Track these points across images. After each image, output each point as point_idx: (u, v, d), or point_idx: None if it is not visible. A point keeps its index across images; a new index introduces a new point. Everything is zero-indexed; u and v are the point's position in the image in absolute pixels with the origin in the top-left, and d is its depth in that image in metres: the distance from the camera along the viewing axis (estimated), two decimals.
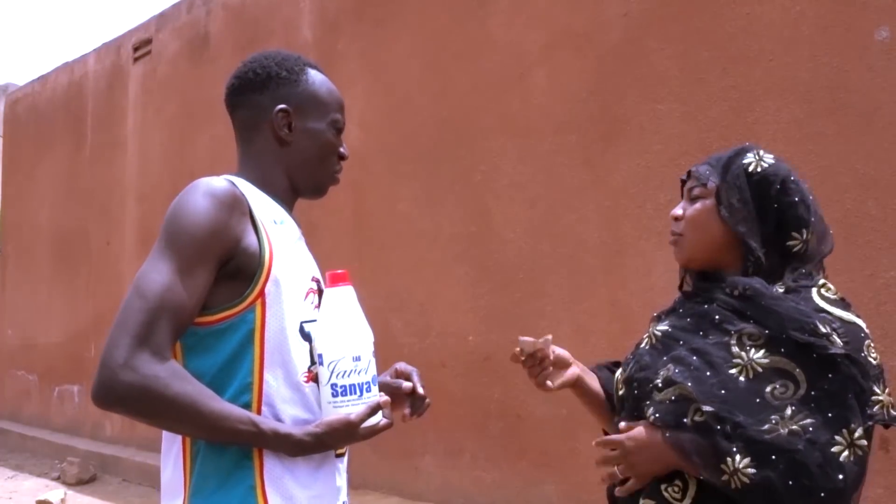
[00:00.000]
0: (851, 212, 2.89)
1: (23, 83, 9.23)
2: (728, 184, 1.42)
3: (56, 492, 5.47)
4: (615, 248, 3.61)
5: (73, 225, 7.70)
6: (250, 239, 1.32)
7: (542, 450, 3.78)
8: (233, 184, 1.34)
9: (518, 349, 1.54)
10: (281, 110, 1.41)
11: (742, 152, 1.46)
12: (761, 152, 1.45)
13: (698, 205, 1.45)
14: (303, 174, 1.45)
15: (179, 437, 1.31)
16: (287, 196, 1.45)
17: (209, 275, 1.27)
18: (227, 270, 1.29)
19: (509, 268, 4.03)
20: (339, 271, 1.34)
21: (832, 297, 1.38)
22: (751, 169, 1.42)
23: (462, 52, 4.30)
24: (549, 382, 1.55)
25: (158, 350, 1.21)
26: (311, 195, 1.50)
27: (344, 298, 1.33)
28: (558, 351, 1.58)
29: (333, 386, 1.29)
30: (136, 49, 7.01)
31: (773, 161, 1.44)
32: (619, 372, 1.54)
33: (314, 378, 1.36)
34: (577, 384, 1.60)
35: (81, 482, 6.10)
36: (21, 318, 8.55)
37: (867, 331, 1.36)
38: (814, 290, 1.38)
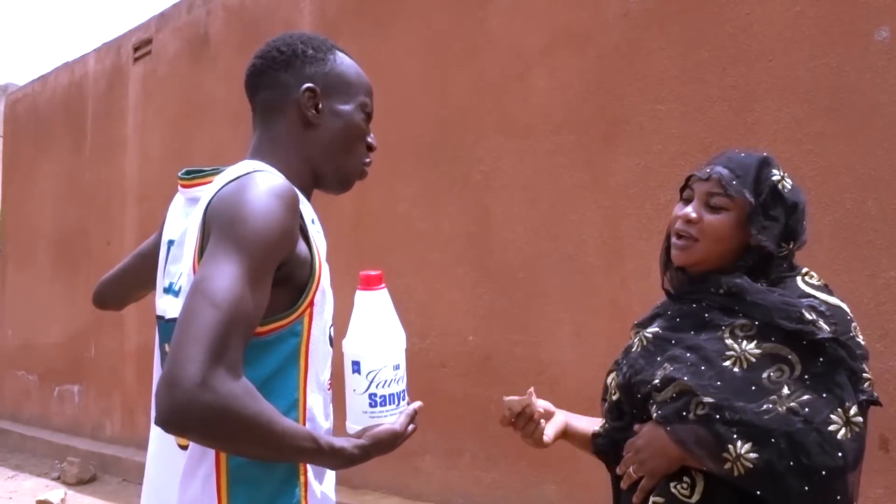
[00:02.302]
0: (851, 212, 2.89)
1: (23, 83, 9.22)
2: (761, 201, 1.42)
3: (56, 492, 5.47)
4: (615, 248, 3.61)
5: (73, 225, 7.70)
6: (301, 244, 1.23)
7: (543, 450, 3.77)
8: (289, 183, 1.23)
9: (507, 411, 1.51)
10: (308, 89, 1.31)
11: (766, 166, 1.45)
12: (780, 168, 1.47)
13: (723, 216, 1.43)
14: (329, 162, 1.35)
15: (212, 457, 1.21)
16: (308, 189, 1.34)
17: (270, 282, 1.15)
18: (276, 277, 1.17)
19: (509, 268, 4.03)
20: (374, 273, 1.26)
21: (816, 283, 1.43)
22: (779, 187, 1.44)
23: (462, 52, 4.30)
24: (546, 438, 1.55)
25: (233, 366, 1.06)
26: (336, 188, 1.38)
27: (380, 303, 1.26)
28: (542, 403, 1.59)
29: (372, 396, 1.24)
30: (136, 49, 7.01)
31: (791, 181, 1.47)
32: (610, 377, 1.54)
33: (330, 385, 1.32)
34: (566, 432, 1.62)
35: (81, 482, 6.10)
36: (21, 318, 8.55)
37: (851, 314, 1.39)
38: (798, 278, 1.43)
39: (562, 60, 3.86)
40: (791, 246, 1.45)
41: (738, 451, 1.25)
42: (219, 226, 1.16)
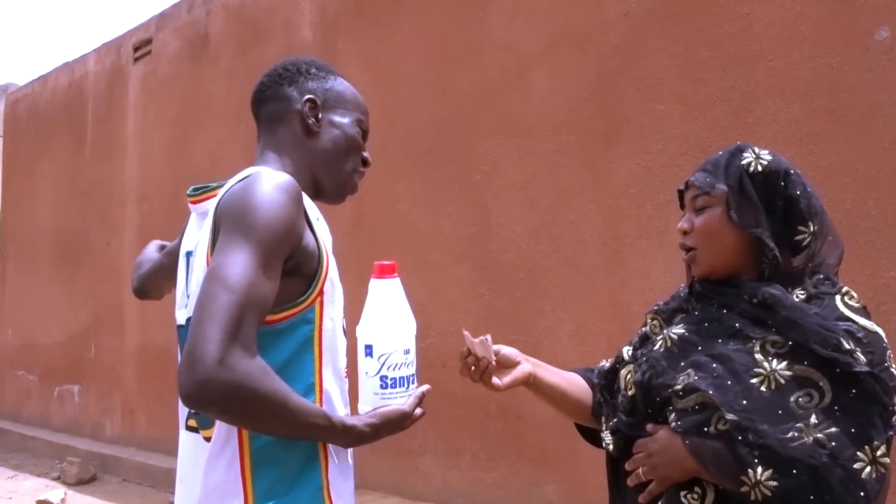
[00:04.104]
0: (851, 212, 2.89)
1: (23, 83, 9.22)
2: (733, 188, 1.40)
3: (56, 492, 5.47)
4: (615, 248, 3.61)
5: (73, 225, 7.70)
6: (308, 236, 1.32)
7: (542, 450, 3.77)
8: (293, 178, 1.31)
9: (471, 357, 1.48)
10: (309, 100, 1.43)
11: (738, 153, 1.44)
12: (757, 149, 1.44)
13: (707, 213, 1.43)
14: (327, 170, 1.45)
15: (235, 439, 1.27)
16: (310, 192, 1.44)
17: (280, 270, 1.25)
18: (286, 268, 1.27)
19: (509, 268, 4.03)
20: (388, 263, 1.36)
21: (856, 305, 1.37)
22: (752, 168, 1.41)
23: (462, 52, 4.30)
24: (496, 380, 1.52)
25: (248, 346, 1.16)
26: (331, 197, 1.49)
27: (393, 290, 1.35)
28: (504, 350, 1.54)
29: (383, 378, 1.32)
30: (136, 49, 7.01)
31: (771, 157, 1.43)
32: (626, 370, 1.51)
33: (346, 374, 1.40)
34: (530, 382, 1.56)
35: (81, 482, 6.10)
36: (21, 318, 8.55)
37: (886, 341, 1.34)
38: (837, 297, 1.36)
39: (562, 60, 3.86)
40: (811, 228, 1.39)
41: (758, 476, 1.23)
42: (228, 219, 1.25)
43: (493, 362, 1.50)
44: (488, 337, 1.49)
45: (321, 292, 1.31)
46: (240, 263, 1.18)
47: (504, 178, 4.07)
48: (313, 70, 1.46)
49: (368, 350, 1.33)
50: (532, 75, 3.98)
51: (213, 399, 1.13)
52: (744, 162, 1.42)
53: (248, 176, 1.29)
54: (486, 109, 4.17)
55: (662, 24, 3.48)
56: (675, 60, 3.43)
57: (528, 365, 1.56)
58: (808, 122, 3.02)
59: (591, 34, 3.75)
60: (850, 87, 2.93)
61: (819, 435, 1.23)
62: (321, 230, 1.37)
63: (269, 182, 1.26)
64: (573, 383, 1.62)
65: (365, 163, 1.51)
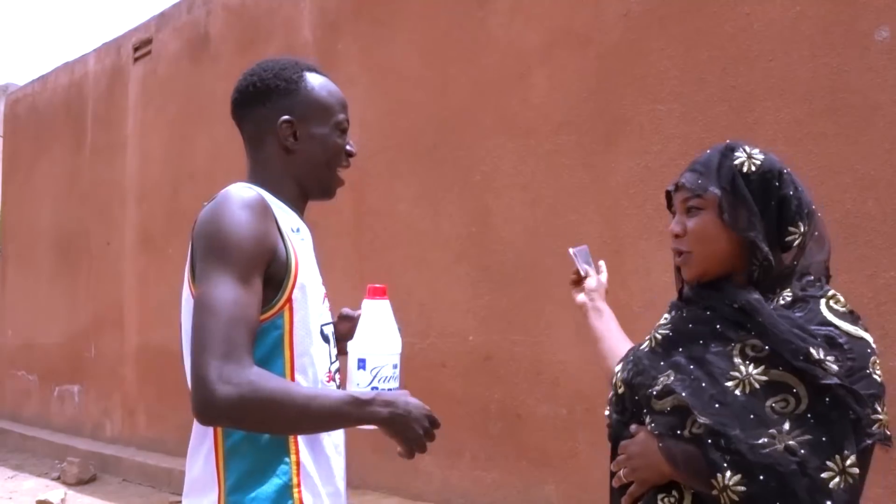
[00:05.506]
0: (851, 212, 2.89)
1: (23, 83, 9.23)
2: (726, 190, 1.37)
3: (56, 492, 5.48)
4: (615, 248, 3.61)
5: (73, 225, 7.70)
6: (280, 247, 1.37)
7: (542, 450, 3.77)
8: (259, 193, 1.38)
9: (581, 272, 1.78)
10: (284, 121, 1.45)
11: (729, 152, 1.41)
12: (748, 148, 1.41)
13: (700, 216, 1.40)
14: (311, 179, 1.49)
15: (210, 435, 1.36)
16: (298, 202, 1.49)
17: (261, 282, 1.33)
18: (264, 276, 1.34)
19: (509, 268, 4.03)
20: (379, 285, 1.46)
21: (841, 309, 1.34)
22: (746, 169, 1.38)
23: (462, 52, 4.30)
24: (578, 298, 1.77)
25: (241, 359, 1.25)
26: (320, 197, 1.54)
27: (385, 310, 1.46)
28: (592, 283, 1.76)
29: (374, 389, 1.39)
30: (136, 49, 7.01)
31: (763, 156, 1.40)
32: (617, 368, 1.51)
33: (332, 378, 1.44)
34: (586, 311, 1.73)
35: (81, 482, 6.10)
36: (21, 318, 8.55)
37: (874, 346, 1.32)
38: (822, 301, 1.34)
39: (562, 60, 3.86)
40: (802, 228, 1.37)
41: (727, 481, 1.23)
42: (202, 245, 1.34)
43: (589, 274, 1.78)
44: (586, 247, 1.82)
45: (289, 299, 1.36)
46: (218, 288, 1.28)
47: (504, 178, 4.06)
48: (282, 84, 1.46)
49: (361, 363, 1.41)
50: (532, 75, 3.98)
51: (220, 414, 1.25)
52: (736, 162, 1.39)
53: (216, 197, 1.37)
54: (486, 109, 4.17)
55: (662, 24, 3.48)
56: (675, 60, 3.43)
57: (607, 313, 1.73)
58: (808, 122, 3.02)
59: (591, 34, 3.75)
60: (850, 87, 2.93)
61: (791, 442, 1.23)
62: (296, 240, 1.41)
63: (234, 201, 1.34)
64: (617, 351, 1.63)
65: (349, 155, 1.52)
